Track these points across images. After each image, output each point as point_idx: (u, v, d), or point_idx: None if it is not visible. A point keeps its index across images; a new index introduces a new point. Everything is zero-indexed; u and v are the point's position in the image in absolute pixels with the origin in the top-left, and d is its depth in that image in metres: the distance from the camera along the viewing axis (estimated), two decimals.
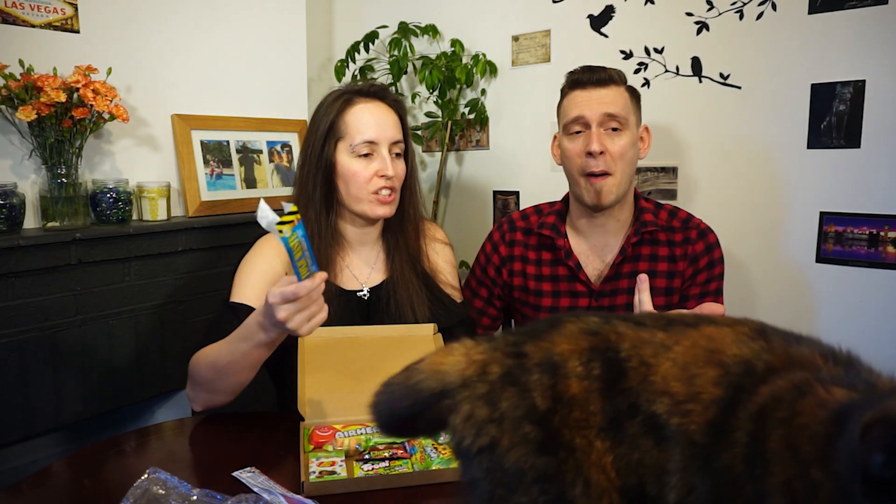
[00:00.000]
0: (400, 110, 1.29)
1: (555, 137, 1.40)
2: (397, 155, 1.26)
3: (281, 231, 0.91)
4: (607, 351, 0.55)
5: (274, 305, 0.94)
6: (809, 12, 1.62)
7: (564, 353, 0.55)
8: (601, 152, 1.25)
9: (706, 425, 0.49)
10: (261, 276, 1.21)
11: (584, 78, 1.29)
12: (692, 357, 0.52)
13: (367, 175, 1.22)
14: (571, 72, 1.33)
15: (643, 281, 1.10)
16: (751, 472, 0.46)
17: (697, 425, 0.49)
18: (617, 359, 0.54)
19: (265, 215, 0.90)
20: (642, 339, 0.54)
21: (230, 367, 1.06)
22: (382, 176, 1.22)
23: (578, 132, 1.29)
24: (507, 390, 0.54)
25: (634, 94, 1.33)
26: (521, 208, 1.97)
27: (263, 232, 1.28)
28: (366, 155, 1.23)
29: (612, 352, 0.55)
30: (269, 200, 2.07)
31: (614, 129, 1.27)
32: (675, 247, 1.34)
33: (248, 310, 1.16)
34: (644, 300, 1.09)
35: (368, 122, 1.23)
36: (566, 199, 1.43)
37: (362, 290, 1.29)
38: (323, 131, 1.24)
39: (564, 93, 1.34)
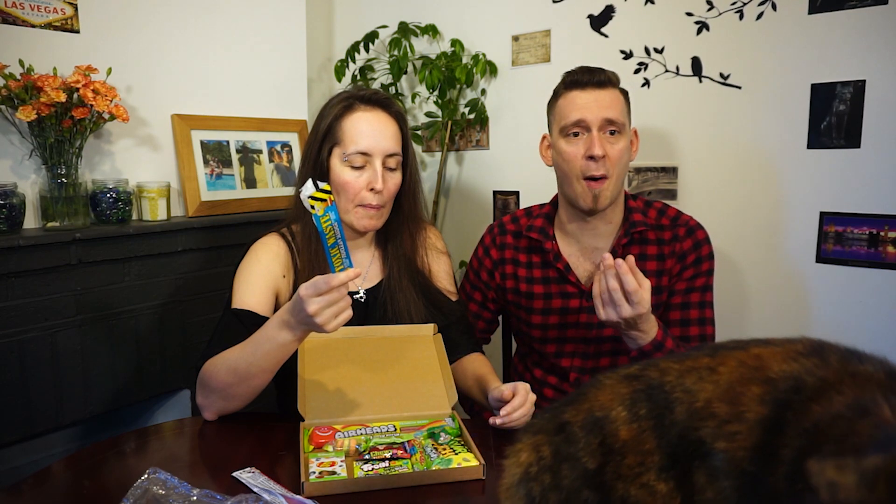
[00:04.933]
0: (401, 121, 1.27)
1: (543, 138, 1.39)
2: (391, 169, 1.25)
3: (314, 207, 0.92)
4: (650, 389, 0.52)
5: (306, 298, 0.95)
6: (809, 12, 1.62)
7: (605, 405, 0.53)
8: (603, 156, 1.25)
9: (753, 450, 0.45)
10: (261, 281, 1.20)
11: (584, 79, 1.27)
12: (738, 376, 0.49)
13: (357, 187, 1.21)
14: (569, 72, 1.32)
15: (615, 263, 1.09)
16: (791, 489, 0.43)
17: (745, 451, 0.46)
18: (662, 392, 0.51)
19: (307, 187, 0.93)
20: (687, 368, 0.52)
21: (251, 369, 1.05)
22: (371, 189, 1.21)
23: (577, 134, 1.28)
24: (562, 467, 0.53)
25: (627, 97, 1.32)
26: (520, 208, 1.97)
27: (259, 235, 1.29)
28: (359, 165, 1.21)
29: (656, 388, 0.52)
30: (268, 200, 2.09)
31: (612, 133, 1.27)
32: (664, 245, 1.33)
33: (251, 316, 1.16)
34: (628, 281, 1.08)
35: (365, 131, 1.21)
36: (555, 200, 1.42)
37: (358, 293, 1.29)
38: (321, 134, 1.24)
39: (560, 93, 1.32)
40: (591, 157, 1.25)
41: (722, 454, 0.47)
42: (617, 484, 0.50)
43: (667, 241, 1.33)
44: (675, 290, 1.33)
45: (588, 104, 1.26)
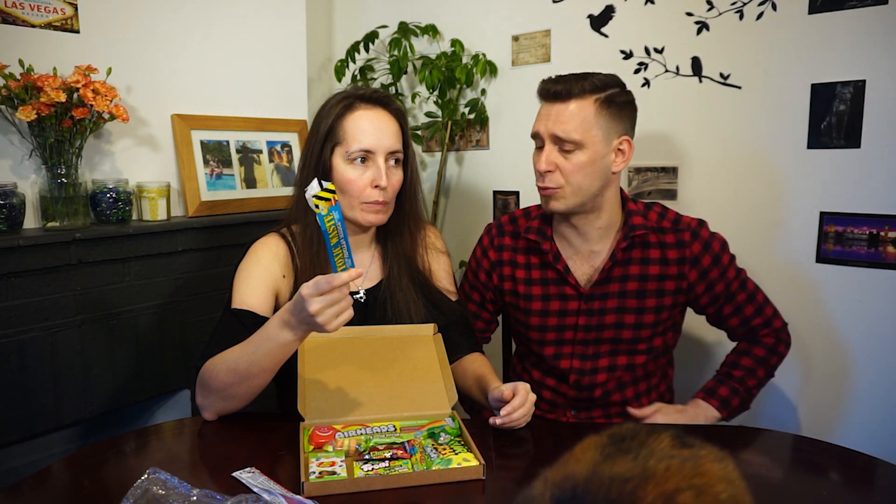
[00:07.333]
0: (401, 119, 1.28)
1: None
2: (395, 163, 1.25)
3: (318, 207, 0.92)
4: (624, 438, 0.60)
5: (307, 297, 0.95)
6: (809, 12, 1.62)
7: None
8: (549, 171, 1.26)
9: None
10: (260, 281, 1.20)
11: (548, 88, 1.27)
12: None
13: (361, 184, 1.21)
14: (542, 80, 1.30)
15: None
16: None
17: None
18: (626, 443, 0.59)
19: (312, 186, 0.93)
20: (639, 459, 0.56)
21: (251, 369, 1.05)
22: (376, 186, 1.21)
23: (535, 144, 1.30)
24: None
25: (609, 105, 1.24)
26: (519, 209, 1.97)
27: (258, 235, 1.29)
28: (362, 163, 1.22)
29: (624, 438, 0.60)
30: (268, 200, 2.09)
31: (566, 150, 1.25)
32: (667, 249, 1.32)
33: (251, 316, 1.16)
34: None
35: (366, 129, 1.22)
36: None
37: (358, 293, 1.29)
38: (322, 135, 1.24)
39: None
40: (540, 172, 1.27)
41: None
42: None
43: (670, 244, 1.32)
44: (717, 295, 1.35)
45: (545, 117, 1.27)
